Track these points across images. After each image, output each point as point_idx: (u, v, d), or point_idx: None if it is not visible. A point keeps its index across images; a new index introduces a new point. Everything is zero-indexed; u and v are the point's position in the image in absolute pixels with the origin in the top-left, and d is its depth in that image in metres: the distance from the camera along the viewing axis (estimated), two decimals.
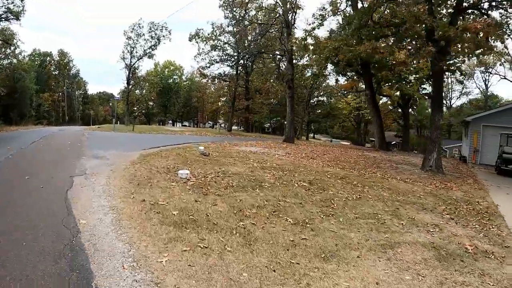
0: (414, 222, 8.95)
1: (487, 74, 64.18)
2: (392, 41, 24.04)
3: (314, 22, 23.02)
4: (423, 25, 19.07)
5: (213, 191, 9.58)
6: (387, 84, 34.30)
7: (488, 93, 66.95)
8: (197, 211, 7.66)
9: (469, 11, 20.79)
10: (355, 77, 36.68)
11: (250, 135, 41.79)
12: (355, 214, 9.25)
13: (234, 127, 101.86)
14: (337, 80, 41.76)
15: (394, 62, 27.60)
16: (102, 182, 9.68)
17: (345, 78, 41.28)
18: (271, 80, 53.16)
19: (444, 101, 66.02)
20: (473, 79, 64.71)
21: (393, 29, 20.58)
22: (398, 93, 38.31)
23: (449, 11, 20.98)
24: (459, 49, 20.48)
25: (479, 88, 68.25)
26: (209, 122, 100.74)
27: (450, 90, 64.62)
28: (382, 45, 20.97)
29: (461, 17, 20.20)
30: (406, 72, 32.14)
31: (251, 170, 13.38)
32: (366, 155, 25.18)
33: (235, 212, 8.03)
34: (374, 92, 32.37)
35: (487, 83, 66.50)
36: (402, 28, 20.63)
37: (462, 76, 25.85)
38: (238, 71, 44.41)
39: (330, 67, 45.12)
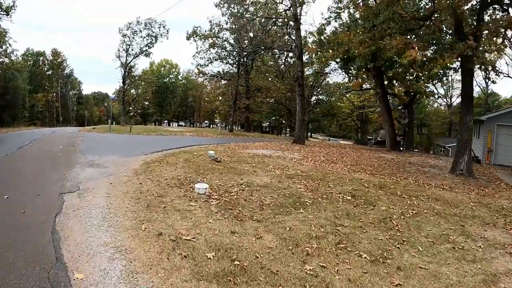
0: (489, 242, 7.49)
1: (487, 72, 62.17)
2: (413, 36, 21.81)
3: (330, 16, 20.81)
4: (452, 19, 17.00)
5: (247, 214, 7.36)
6: (396, 82, 32.34)
7: (489, 91, 65.24)
8: (240, 250, 5.41)
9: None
10: (363, 75, 34.40)
11: (253, 135, 39.49)
12: (426, 237, 7.34)
13: (221, 125, 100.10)
14: (350, 78, 39.24)
15: (409, 59, 25.45)
16: (101, 202, 7.41)
17: (352, 75, 38.91)
18: (269, 79, 50.89)
19: (446, 99, 64.43)
20: (474, 77, 62.74)
21: (420, 22, 18.35)
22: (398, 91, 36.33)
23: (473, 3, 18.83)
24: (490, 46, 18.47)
25: (479, 86, 66.22)
26: (206, 121, 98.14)
27: (450, 88, 62.65)
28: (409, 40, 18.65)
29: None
30: (419, 69, 29.99)
31: (278, 180, 11.19)
32: (382, 157, 23.04)
33: (290, 248, 5.80)
34: (386, 90, 30.27)
35: (487, 81, 64.73)
36: (426, 23, 18.53)
37: (496, 75, 24.14)
38: (240, 69, 41.97)
39: (332, 64, 43.51)
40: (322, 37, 21.94)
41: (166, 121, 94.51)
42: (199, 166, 12.23)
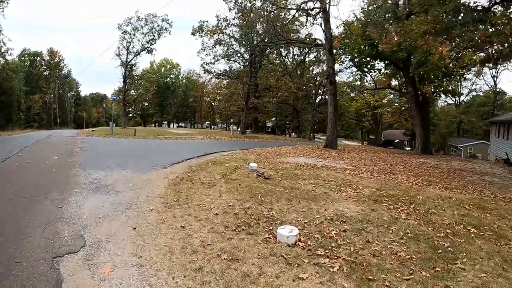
0: None
1: (494, 70, 59.05)
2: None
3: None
4: None
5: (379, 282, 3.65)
6: (426, 82, 28.96)
7: (497, 90, 62.09)
8: None
9: None
10: (391, 73, 30.80)
11: (266, 138, 35.69)
12: None
13: (234, 127, 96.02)
14: (361, 77, 35.47)
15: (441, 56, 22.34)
16: (128, 279, 3.61)
17: (370, 74, 35.22)
18: (275, 78, 46.85)
19: (455, 98, 60.95)
20: (482, 75, 59.56)
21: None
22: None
23: None
24: None
25: (487, 85, 63.05)
26: (207, 122, 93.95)
27: (459, 86, 59.08)
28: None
29: None
30: (452, 67, 26.78)
31: (368, 207, 7.79)
32: (426, 162, 19.50)
33: None
34: (417, 89, 26.67)
35: (495, 79, 61.58)
36: None
37: None
38: (252, 66, 37.93)
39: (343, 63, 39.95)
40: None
41: (165, 122, 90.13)
42: (249, 188, 8.54)
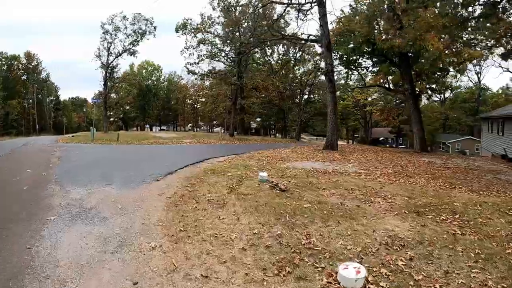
0: None
1: (478, 67, 58.67)
2: None
3: None
4: None
5: None
6: (423, 78, 27.90)
7: (481, 86, 61.75)
8: None
9: None
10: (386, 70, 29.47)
11: (256, 139, 33.82)
12: None
13: (217, 129, 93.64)
14: (348, 75, 33.87)
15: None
16: None
17: (361, 72, 33.82)
18: (261, 78, 45.03)
19: (439, 95, 60.23)
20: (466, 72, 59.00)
21: None
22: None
23: None
24: None
25: (471, 81, 62.66)
26: (189, 125, 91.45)
27: (444, 83, 58.34)
28: None
29: None
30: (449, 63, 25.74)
31: (417, 223, 6.46)
32: (431, 162, 18.06)
33: None
34: (414, 86, 25.46)
35: (479, 76, 61.19)
36: None
37: None
38: (240, 66, 35.89)
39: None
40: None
41: (147, 126, 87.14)
42: (269, 206, 6.90)
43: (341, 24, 24.41)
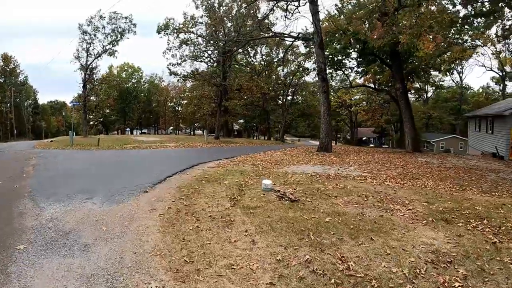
0: None
1: (460, 67, 58.93)
2: None
3: None
4: None
5: None
6: (413, 77, 27.59)
7: (463, 85, 62.14)
8: None
9: None
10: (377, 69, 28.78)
11: (242, 142, 32.40)
12: None
13: (198, 132, 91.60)
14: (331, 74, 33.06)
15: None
16: None
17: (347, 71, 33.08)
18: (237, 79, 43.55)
19: (422, 95, 60.18)
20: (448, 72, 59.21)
21: None
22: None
23: None
24: None
25: (453, 80, 62.91)
26: (171, 128, 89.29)
27: (426, 82, 58.44)
28: None
29: None
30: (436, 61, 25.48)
31: (450, 232, 5.90)
32: (429, 162, 17.40)
33: None
34: (406, 85, 24.86)
35: (461, 75, 61.57)
36: None
37: None
38: (225, 65, 34.46)
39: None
40: None
41: (128, 129, 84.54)
42: (285, 221, 5.89)
43: (331, 22, 23.52)
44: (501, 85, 56.24)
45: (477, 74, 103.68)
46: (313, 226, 5.55)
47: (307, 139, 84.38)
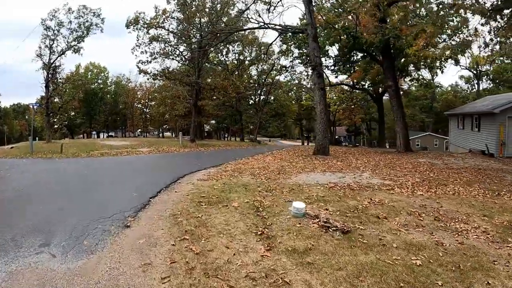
0: None
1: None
2: None
3: None
4: None
5: None
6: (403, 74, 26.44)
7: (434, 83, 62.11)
8: None
9: None
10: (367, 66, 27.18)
11: (220, 145, 29.49)
12: None
13: (167, 133, 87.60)
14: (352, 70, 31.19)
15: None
16: None
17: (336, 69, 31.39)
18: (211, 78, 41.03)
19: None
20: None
21: None
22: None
23: None
24: None
25: (424, 79, 62.64)
26: (139, 130, 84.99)
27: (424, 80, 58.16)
28: None
29: None
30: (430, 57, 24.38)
31: None
32: (430, 163, 15.88)
33: None
34: (397, 83, 23.44)
35: (432, 73, 61.38)
36: None
37: None
38: (200, 62, 31.59)
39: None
40: None
41: (94, 133, 79.55)
42: (369, 275, 3.64)
43: (320, 16, 21.63)
44: (473, 83, 56.77)
45: (452, 72, 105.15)
46: (409, 277, 3.48)
47: (277, 139, 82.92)
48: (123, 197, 7.56)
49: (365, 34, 19.38)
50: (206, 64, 41.41)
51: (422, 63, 25.89)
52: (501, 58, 48.35)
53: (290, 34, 25.77)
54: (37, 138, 54.32)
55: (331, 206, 6.72)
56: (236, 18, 22.93)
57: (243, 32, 36.01)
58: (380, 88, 37.03)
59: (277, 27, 19.45)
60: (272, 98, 53.31)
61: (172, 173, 10.97)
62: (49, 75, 32.86)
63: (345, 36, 22.17)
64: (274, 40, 30.27)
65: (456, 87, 67.74)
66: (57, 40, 32.74)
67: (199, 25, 31.21)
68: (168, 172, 11.49)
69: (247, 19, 24.46)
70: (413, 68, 28.06)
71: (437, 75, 43.81)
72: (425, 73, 37.70)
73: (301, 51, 33.43)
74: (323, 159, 15.35)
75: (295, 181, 9.71)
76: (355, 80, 33.77)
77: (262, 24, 19.21)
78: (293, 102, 59.16)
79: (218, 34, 23.43)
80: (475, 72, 52.75)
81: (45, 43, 32.50)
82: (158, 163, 15.59)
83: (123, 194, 7.95)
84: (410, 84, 35.99)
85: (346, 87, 43.24)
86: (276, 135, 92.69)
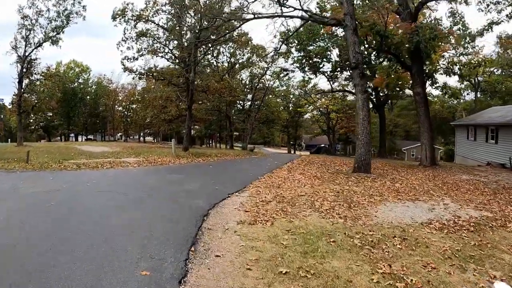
0: None
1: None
2: None
3: None
4: None
5: None
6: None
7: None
8: None
9: None
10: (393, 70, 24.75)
11: (216, 154, 25.60)
12: None
13: (148, 138, 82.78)
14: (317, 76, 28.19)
15: None
16: None
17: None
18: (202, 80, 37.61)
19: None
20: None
21: None
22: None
23: None
24: None
25: (449, 87, 61.37)
26: (119, 134, 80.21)
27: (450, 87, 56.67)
28: None
29: None
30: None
31: None
32: (474, 180, 13.19)
33: None
34: (425, 89, 21.05)
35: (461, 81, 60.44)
36: None
37: None
38: (195, 60, 27.81)
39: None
40: None
41: (73, 135, 74.10)
42: None
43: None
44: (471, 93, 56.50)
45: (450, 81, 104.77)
46: None
47: (260, 146, 79.86)
48: (108, 266, 4.06)
49: (400, 32, 16.64)
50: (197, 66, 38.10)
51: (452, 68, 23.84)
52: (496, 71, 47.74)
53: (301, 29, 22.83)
54: (9, 140, 49.42)
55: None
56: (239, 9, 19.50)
57: (240, 30, 32.92)
58: (381, 97, 35.38)
59: (314, 17, 16.13)
60: (261, 104, 50.49)
61: (186, 207, 7.31)
62: (24, 69, 28.74)
63: (372, 35, 19.37)
64: (290, 35, 24.86)
65: (443, 96, 67.12)
66: (34, 30, 28.71)
67: (199, 14, 27.51)
68: (178, 205, 7.69)
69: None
70: (442, 74, 26.14)
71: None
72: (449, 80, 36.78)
73: (300, 54, 30.89)
74: (372, 178, 12.15)
75: (384, 220, 6.65)
76: (375, 86, 31.48)
77: (300, 14, 15.61)
78: (281, 108, 56.46)
79: (223, 21, 20.07)
80: (472, 82, 51.21)
81: (21, 34, 28.42)
82: (154, 181, 11.33)
83: (115, 262, 4.26)
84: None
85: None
86: (259, 142, 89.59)
